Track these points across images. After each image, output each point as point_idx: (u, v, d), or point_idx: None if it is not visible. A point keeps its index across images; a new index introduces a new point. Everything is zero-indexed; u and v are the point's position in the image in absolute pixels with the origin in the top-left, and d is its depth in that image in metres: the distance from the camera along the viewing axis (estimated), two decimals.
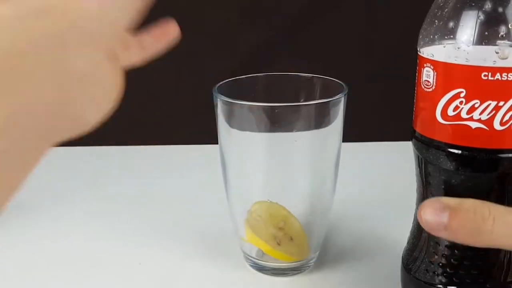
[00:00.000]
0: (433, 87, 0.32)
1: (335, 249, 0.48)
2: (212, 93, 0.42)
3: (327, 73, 0.45)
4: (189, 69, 0.73)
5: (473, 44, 0.31)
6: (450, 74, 0.32)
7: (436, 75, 0.32)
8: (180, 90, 0.73)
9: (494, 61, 0.30)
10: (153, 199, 0.59)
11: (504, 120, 0.31)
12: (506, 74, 0.30)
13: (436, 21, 0.33)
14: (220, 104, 0.42)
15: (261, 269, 0.45)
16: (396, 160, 0.68)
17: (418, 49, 0.34)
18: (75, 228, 0.53)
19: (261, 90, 0.46)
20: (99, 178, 0.64)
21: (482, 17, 0.31)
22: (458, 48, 0.31)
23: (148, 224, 0.53)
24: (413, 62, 0.37)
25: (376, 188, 0.60)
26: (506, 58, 0.30)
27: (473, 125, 0.31)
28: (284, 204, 0.43)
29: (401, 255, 0.42)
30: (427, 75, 0.33)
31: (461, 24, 0.31)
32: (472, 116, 0.31)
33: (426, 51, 0.33)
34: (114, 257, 0.48)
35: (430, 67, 0.33)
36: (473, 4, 0.31)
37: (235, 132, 0.42)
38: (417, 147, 0.35)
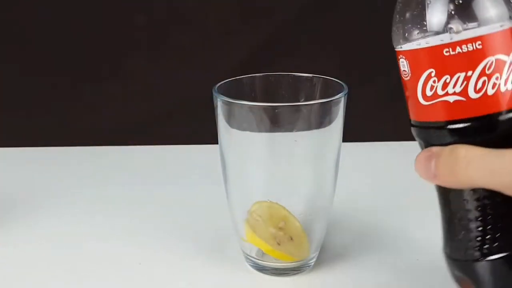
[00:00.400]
0: (409, 75, 0.35)
1: (335, 249, 0.48)
2: (212, 93, 0.42)
3: (327, 73, 0.46)
4: (189, 69, 0.73)
5: (429, 29, 0.33)
6: (417, 58, 0.34)
7: (408, 63, 0.35)
8: (180, 90, 0.73)
9: (451, 38, 0.33)
10: (153, 199, 0.59)
11: (478, 87, 0.33)
12: (465, 45, 0.32)
13: (397, 16, 0.35)
14: (220, 104, 0.42)
15: (261, 269, 0.45)
16: (396, 160, 0.68)
17: (394, 46, 0.37)
18: (75, 228, 0.53)
19: (261, 90, 0.46)
20: (99, 178, 0.64)
21: (430, 2, 0.33)
22: (417, 34, 0.34)
23: (148, 224, 0.53)
24: None
25: (376, 188, 0.60)
26: (460, 32, 0.32)
27: (451, 98, 0.33)
28: (284, 204, 0.43)
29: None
30: (403, 65, 0.35)
31: (414, 13, 0.34)
32: (447, 91, 0.33)
33: (397, 45, 0.36)
34: (114, 257, 0.48)
35: (403, 58, 0.35)
36: None
37: (235, 132, 0.42)
38: (415, 134, 0.37)
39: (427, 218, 0.54)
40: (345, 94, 0.42)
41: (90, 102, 0.75)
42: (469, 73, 0.32)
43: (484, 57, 0.32)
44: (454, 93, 0.33)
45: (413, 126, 0.36)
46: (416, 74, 0.34)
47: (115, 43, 0.73)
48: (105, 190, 0.61)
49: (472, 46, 0.32)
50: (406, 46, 0.35)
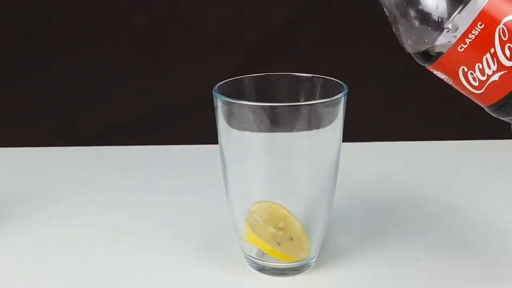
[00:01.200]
0: (450, 80, 0.37)
1: (335, 249, 0.48)
2: (212, 93, 0.43)
3: (327, 73, 0.46)
4: (189, 69, 0.73)
5: (433, 42, 0.35)
6: (444, 66, 0.36)
7: (442, 72, 0.37)
8: (180, 90, 0.73)
9: (455, 36, 0.34)
10: (153, 199, 0.59)
11: (508, 55, 0.34)
12: (470, 33, 0.34)
13: (405, 47, 0.37)
14: (220, 104, 0.42)
15: (261, 269, 0.45)
16: (396, 160, 0.68)
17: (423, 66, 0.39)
18: (75, 228, 0.53)
19: (261, 90, 0.46)
20: (99, 178, 0.64)
21: (416, 23, 0.35)
22: (429, 52, 0.36)
23: (148, 224, 0.53)
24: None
25: (376, 188, 0.60)
26: (457, 27, 0.34)
27: (495, 77, 0.35)
28: (284, 204, 0.43)
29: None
30: (440, 75, 0.37)
31: (413, 37, 0.36)
32: (486, 74, 0.35)
33: (423, 65, 0.38)
34: (114, 257, 0.48)
35: (434, 70, 0.37)
36: (403, 20, 0.36)
37: (235, 132, 0.42)
38: (497, 115, 0.38)
39: (427, 218, 0.54)
40: (345, 94, 0.42)
41: (90, 102, 0.75)
42: (492, 50, 0.34)
43: (493, 30, 0.34)
44: (494, 72, 0.35)
45: (490, 111, 0.38)
46: (454, 77, 0.36)
47: (115, 43, 0.73)
48: (105, 190, 0.61)
49: (476, 30, 0.34)
50: (428, 63, 0.37)
